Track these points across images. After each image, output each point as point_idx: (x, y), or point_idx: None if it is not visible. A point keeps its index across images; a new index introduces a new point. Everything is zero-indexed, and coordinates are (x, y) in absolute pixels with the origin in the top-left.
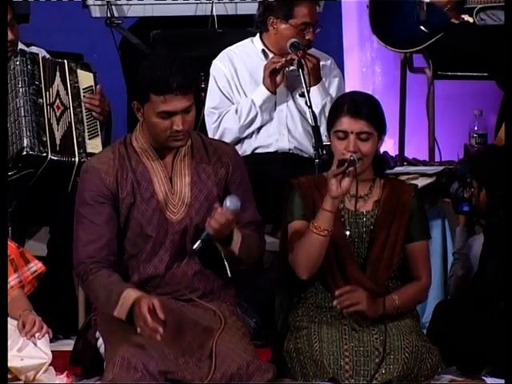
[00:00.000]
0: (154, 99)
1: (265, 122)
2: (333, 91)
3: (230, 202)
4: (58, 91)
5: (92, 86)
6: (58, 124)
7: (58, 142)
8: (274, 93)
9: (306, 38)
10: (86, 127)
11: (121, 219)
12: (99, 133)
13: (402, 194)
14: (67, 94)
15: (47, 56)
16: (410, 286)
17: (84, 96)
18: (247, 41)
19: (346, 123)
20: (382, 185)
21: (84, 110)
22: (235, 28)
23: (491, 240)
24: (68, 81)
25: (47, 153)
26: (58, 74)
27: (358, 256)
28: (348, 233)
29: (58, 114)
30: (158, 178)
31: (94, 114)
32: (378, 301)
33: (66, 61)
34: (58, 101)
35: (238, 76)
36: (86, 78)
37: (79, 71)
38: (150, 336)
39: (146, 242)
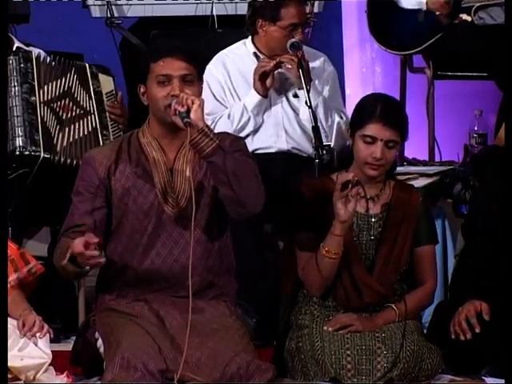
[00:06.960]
0: (154, 67)
1: (258, 126)
2: (326, 91)
3: None
4: (67, 92)
5: (113, 90)
6: (61, 124)
7: (55, 140)
8: (265, 96)
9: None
10: (111, 132)
11: (116, 212)
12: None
13: (410, 199)
14: (90, 98)
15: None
16: (415, 293)
17: (106, 101)
18: (240, 43)
19: (376, 129)
20: (392, 188)
21: (108, 115)
22: (235, 28)
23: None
24: (91, 85)
25: (40, 151)
26: (73, 76)
27: (365, 258)
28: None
29: (64, 115)
30: (159, 170)
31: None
32: (375, 316)
33: (87, 64)
34: (67, 102)
35: (231, 80)
36: (107, 83)
37: (100, 75)
38: (95, 263)
39: (142, 236)
